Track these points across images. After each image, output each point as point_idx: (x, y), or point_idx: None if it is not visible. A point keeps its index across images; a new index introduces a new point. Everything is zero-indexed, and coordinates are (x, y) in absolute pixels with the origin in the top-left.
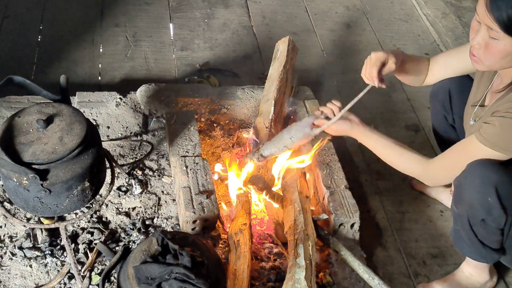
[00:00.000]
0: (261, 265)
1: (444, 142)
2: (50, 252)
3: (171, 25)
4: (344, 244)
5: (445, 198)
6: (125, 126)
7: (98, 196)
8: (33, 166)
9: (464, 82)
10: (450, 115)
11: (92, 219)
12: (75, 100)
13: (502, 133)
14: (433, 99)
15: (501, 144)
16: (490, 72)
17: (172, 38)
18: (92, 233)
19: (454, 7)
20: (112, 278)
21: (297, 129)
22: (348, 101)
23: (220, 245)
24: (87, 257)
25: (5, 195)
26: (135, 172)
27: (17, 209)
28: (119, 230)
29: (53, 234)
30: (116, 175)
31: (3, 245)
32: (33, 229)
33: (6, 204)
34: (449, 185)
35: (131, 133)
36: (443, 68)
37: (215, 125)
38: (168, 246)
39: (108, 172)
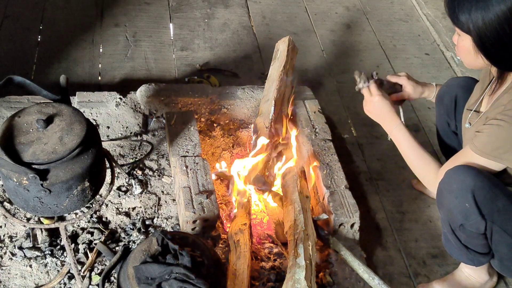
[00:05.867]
0: (261, 265)
1: (445, 147)
2: (50, 252)
3: (171, 25)
4: (344, 244)
5: None
6: (125, 126)
7: (98, 196)
8: (33, 166)
9: (471, 89)
10: (453, 121)
11: (92, 219)
12: (75, 100)
13: (490, 141)
14: (439, 103)
15: (490, 151)
16: (490, 76)
17: (172, 38)
18: (92, 233)
19: None
20: (112, 278)
21: None
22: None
23: (220, 245)
24: (87, 257)
25: (5, 195)
26: (135, 172)
27: (17, 209)
28: (119, 230)
29: (53, 234)
30: (116, 175)
31: (3, 245)
32: (33, 229)
33: (6, 204)
34: None
35: (131, 133)
36: None
37: (215, 125)
38: (168, 246)
39: (108, 172)
